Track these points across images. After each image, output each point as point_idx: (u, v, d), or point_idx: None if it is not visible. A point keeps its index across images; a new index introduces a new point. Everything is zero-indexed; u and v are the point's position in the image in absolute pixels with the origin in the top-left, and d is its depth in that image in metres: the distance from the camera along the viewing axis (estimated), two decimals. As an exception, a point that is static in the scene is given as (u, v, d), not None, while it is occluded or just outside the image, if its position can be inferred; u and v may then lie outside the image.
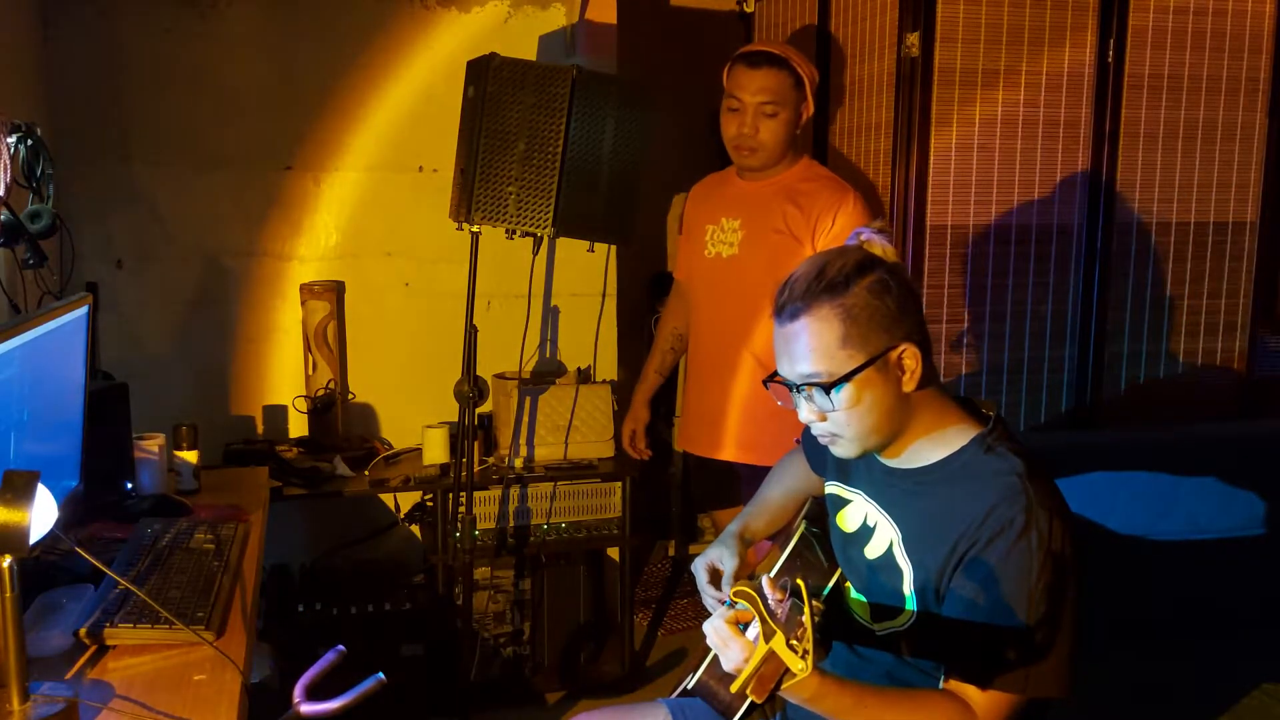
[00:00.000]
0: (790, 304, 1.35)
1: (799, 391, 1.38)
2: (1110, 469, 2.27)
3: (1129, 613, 2.22)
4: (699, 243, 2.52)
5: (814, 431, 1.42)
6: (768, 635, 1.14)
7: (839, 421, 1.37)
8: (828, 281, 1.32)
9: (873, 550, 1.47)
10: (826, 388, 1.33)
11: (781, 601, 1.17)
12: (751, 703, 1.42)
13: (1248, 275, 2.80)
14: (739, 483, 2.47)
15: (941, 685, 1.36)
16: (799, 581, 1.17)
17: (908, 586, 1.42)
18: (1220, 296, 2.79)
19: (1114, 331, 2.71)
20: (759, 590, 1.16)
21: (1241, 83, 2.69)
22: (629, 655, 2.98)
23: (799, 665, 1.13)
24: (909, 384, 1.35)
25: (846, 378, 1.32)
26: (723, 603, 1.43)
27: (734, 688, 1.16)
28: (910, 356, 1.34)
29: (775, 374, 1.41)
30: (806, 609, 1.15)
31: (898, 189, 2.55)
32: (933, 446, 1.41)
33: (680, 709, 1.64)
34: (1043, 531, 1.29)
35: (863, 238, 1.39)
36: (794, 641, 1.13)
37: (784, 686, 1.15)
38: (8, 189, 1.93)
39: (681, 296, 2.66)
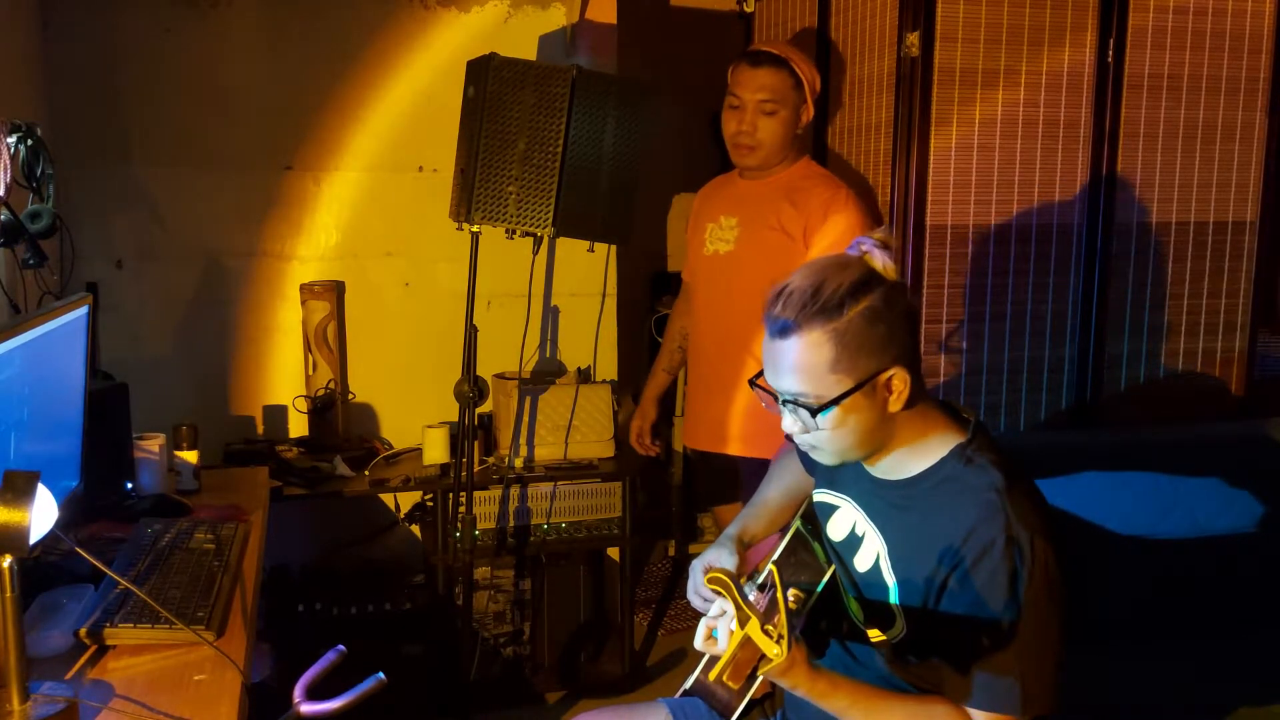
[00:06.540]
0: (782, 318, 1.31)
1: (784, 403, 1.37)
2: (1110, 469, 2.27)
3: (1128, 612, 2.22)
4: (700, 241, 2.55)
5: (795, 440, 1.41)
6: (742, 621, 1.15)
7: (821, 437, 1.36)
8: (822, 302, 1.29)
9: (862, 562, 1.48)
10: (813, 410, 1.32)
11: (760, 596, 1.18)
12: (750, 700, 1.43)
13: (1248, 275, 2.80)
14: (741, 479, 2.48)
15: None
16: (772, 566, 1.18)
17: (895, 601, 1.42)
18: (1220, 296, 2.79)
19: (1114, 331, 2.70)
20: (733, 578, 1.18)
21: (1241, 83, 2.69)
22: (629, 655, 2.97)
23: (774, 650, 1.14)
24: (895, 405, 1.34)
25: (834, 402, 1.31)
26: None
27: (712, 676, 1.17)
28: (899, 379, 1.33)
29: (761, 373, 1.39)
30: (779, 595, 1.16)
31: (897, 189, 2.54)
32: (915, 457, 1.41)
33: (680, 709, 1.64)
34: (1024, 552, 1.29)
35: (863, 248, 1.36)
36: (769, 626, 1.14)
37: (762, 669, 1.16)
38: (8, 189, 1.93)
39: (687, 295, 2.68)
